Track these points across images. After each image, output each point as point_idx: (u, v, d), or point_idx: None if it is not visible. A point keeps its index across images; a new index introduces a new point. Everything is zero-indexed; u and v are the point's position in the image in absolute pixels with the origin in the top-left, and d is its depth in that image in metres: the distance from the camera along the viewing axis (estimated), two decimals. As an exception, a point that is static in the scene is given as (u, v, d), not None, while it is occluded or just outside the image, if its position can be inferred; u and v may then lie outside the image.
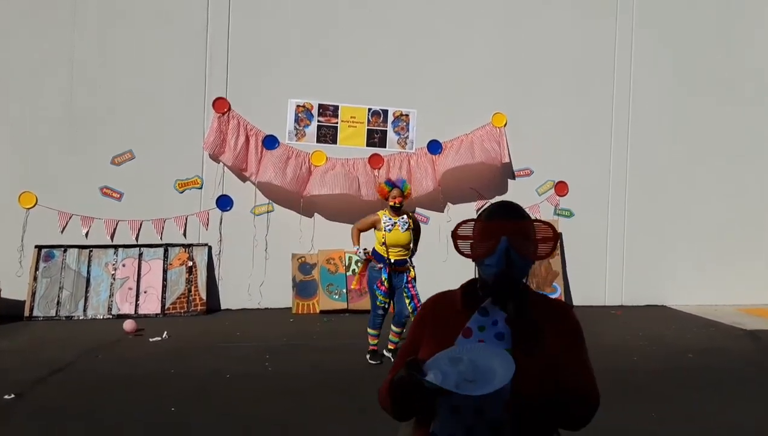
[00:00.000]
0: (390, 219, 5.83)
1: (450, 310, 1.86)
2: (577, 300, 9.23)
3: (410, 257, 5.90)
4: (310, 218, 8.64)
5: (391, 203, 5.82)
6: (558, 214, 9.20)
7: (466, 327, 1.76)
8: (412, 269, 5.85)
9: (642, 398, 5.13)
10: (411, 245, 5.89)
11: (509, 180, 9.12)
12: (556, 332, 1.76)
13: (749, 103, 9.69)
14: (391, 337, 5.98)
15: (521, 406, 1.66)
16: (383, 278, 5.73)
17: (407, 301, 5.76)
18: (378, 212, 5.97)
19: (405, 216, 5.87)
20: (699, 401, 5.11)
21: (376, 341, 5.94)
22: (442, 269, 8.40)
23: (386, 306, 5.85)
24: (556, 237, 1.81)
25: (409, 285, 5.79)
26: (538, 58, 9.12)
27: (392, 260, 5.78)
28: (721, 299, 9.55)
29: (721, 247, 9.59)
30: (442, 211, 8.88)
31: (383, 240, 5.78)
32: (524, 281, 1.80)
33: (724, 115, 9.61)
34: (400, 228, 5.79)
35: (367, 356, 5.91)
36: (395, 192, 5.80)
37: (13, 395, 4.77)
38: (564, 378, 1.71)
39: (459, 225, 1.82)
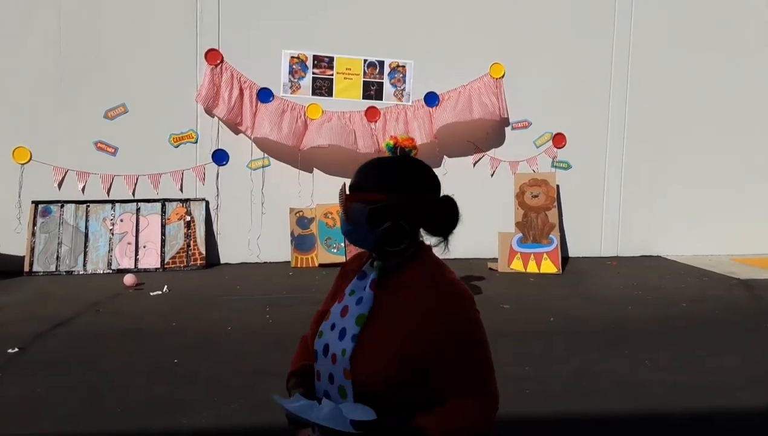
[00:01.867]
0: None
1: (358, 267, 1.82)
2: (573, 251, 9.30)
3: None
4: (308, 172, 8.61)
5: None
6: (555, 167, 9.17)
7: (342, 291, 1.78)
8: None
9: (635, 345, 5.24)
10: None
11: (506, 130, 9.05)
12: (432, 320, 1.58)
13: (751, 53, 9.54)
14: None
15: (360, 376, 1.58)
16: None
17: None
18: None
19: None
20: (691, 349, 5.22)
21: None
22: None
23: None
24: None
25: None
26: (537, 8, 8.92)
27: None
28: (715, 250, 9.64)
29: (716, 197, 9.61)
30: (440, 166, 8.85)
31: None
32: (408, 251, 1.69)
33: (724, 64, 9.48)
34: None
35: None
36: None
37: (16, 349, 4.85)
38: (436, 380, 1.58)
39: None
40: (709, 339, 5.49)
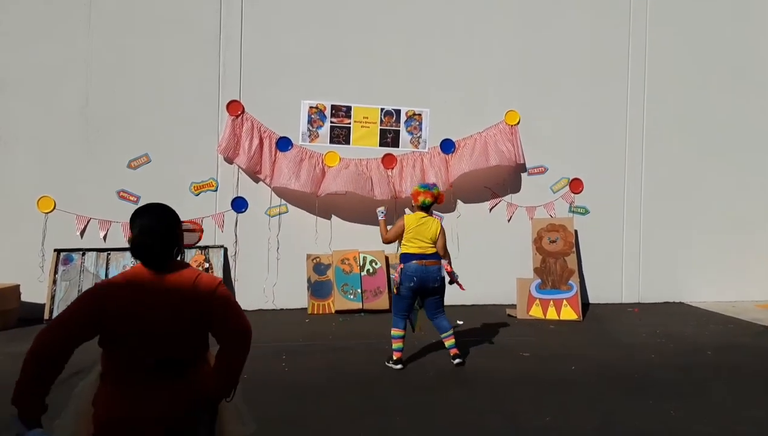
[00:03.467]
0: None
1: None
2: (594, 298, 9.18)
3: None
4: (325, 218, 8.68)
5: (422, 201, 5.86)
6: (573, 212, 9.15)
7: None
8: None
9: (660, 395, 5.09)
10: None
11: (522, 176, 9.08)
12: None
13: (766, 97, 9.57)
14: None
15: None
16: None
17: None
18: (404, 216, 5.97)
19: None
20: (718, 399, 5.06)
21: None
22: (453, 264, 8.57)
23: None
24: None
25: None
26: (552, 56, 9.08)
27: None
28: (739, 295, 9.45)
29: (738, 242, 9.48)
30: (453, 210, 8.90)
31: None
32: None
33: (744, 106, 9.50)
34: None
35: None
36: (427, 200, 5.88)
37: (35, 397, 4.84)
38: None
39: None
40: (736, 389, 5.32)
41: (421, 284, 5.65)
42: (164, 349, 2.26)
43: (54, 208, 8.00)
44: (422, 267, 5.64)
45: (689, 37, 9.38)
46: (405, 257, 5.73)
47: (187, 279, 2.32)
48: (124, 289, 2.26)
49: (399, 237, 5.82)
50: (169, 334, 2.25)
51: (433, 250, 5.73)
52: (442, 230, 5.84)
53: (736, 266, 9.45)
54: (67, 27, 8.02)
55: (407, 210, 7.77)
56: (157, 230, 2.30)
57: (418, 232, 5.71)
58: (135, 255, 2.31)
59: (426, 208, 5.84)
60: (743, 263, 9.46)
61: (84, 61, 8.07)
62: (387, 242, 5.93)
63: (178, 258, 2.41)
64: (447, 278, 5.78)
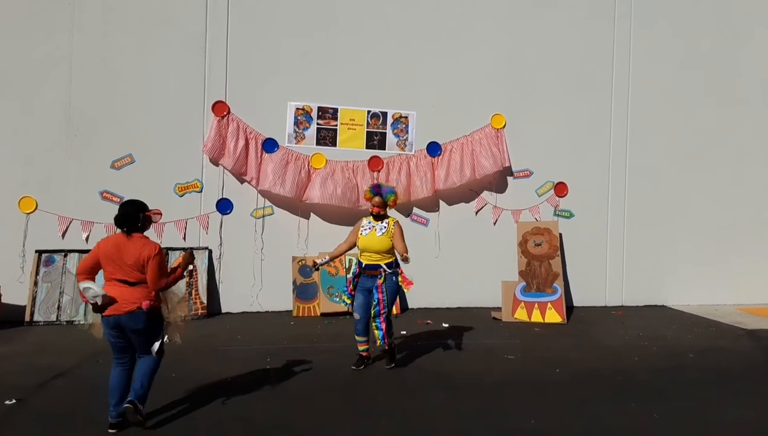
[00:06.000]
0: (370, 223, 5.81)
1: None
2: (578, 301, 9.24)
3: (391, 264, 5.75)
4: (311, 221, 8.65)
5: (371, 211, 5.81)
6: (558, 215, 9.21)
7: None
8: (383, 275, 5.70)
9: (643, 398, 5.14)
10: (389, 251, 5.73)
11: (508, 178, 9.13)
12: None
13: (748, 101, 9.71)
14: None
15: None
16: (350, 279, 5.85)
17: (373, 304, 5.73)
18: (362, 218, 5.95)
19: (386, 221, 5.79)
20: (700, 401, 5.12)
21: (362, 347, 5.86)
22: (434, 263, 8.72)
23: (359, 310, 5.77)
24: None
25: (378, 290, 5.69)
26: (537, 59, 9.15)
27: (363, 263, 5.76)
28: (721, 299, 9.56)
29: (721, 246, 9.60)
30: (437, 210, 8.93)
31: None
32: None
33: (724, 113, 9.63)
34: (376, 232, 5.72)
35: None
36: (376, 200, 5.75)
37: (14, 400, 4.78)
38: None
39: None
40: (717, 391, 5.38)
41: None
42: (123, 272, 4.26)
43: (35, 208, 7.89)
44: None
45: (673, 44, 9.48)
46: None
47: (140, 243, 4.30)
48: (109, 242, 4.34)
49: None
50: (126, 265, 4.25)
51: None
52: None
53: (718, 270, 9.57)
54: (49, 25, 7.92)
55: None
56: (128, 213, 4.31)
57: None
58: (116, 225, 4.32)
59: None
60: (726, 267, 9.58)
61: (67, 60, 7.97)
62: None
63: (144, 232, 4.42)
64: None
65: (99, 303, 4.13)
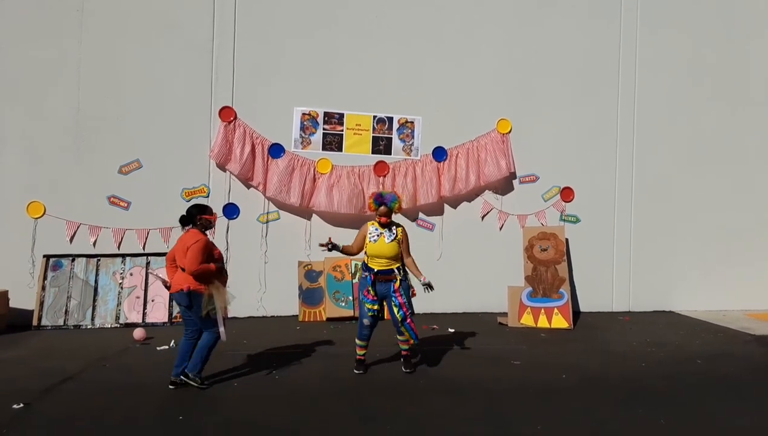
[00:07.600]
0: (377, 229, 5.81)
1: None
2: (585, 306, 9.20)
3: (400, 268, 5.81)
4: (317, 225, 8.66)
5: (377, 221, 5.82)
6: (564, 220, 9.19)
7: None
8: (398, 278, 5.74)
9: (650, 404, 5.11)
10: (399, 257, 5.78)
11: (514, 183, 9.12)
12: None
13: (756, 105, 9.68)
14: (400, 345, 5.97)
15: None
16: (369, 287, 5.75)
17: (395, 309, 5.73)
18: (368, 223, 5.95)
19: (393, 227, 5.82)
20: (708, 407, 5.08)
21: (362, 352, 5.90)
22: (440, 268, 8.60)
23: (375, 314, 5.78)
24: None
25: (397, 293, 5.72)
26: (543, 64, 9.15)
27: (375, 269, 5.76)
28: (729, 304, 9.51)
29: (728, 252, 9.55)
30: (443, 215, 8.93)
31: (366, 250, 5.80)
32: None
33: (731, 118, 9.60)
34: (385, 239, 5.74)
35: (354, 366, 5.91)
36: (382, 209, 5.76)
37: (21, 405, 4.80)
38: None
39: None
40: (725, 398, 5.34)
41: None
42: (180, 260, 5.18)
43: (44, 213, 7.94)
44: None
45: (680, 49, 9.47)
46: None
47: (189, 236, 5.22)
48: (180, 237, 5.35)
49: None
50: (181, 254, 5.16)
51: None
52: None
53: (726, 275, 9.51)
54: (57, 31, 7.99)
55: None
56: (187, 213, 5.36)
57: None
58: (179, 223, 5.43)
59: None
60: (733, 272, 9.53)
61: (75, 66, 8.03)
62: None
63: (205, 230, 5.38)
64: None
65: (166, 286, 5.41)
